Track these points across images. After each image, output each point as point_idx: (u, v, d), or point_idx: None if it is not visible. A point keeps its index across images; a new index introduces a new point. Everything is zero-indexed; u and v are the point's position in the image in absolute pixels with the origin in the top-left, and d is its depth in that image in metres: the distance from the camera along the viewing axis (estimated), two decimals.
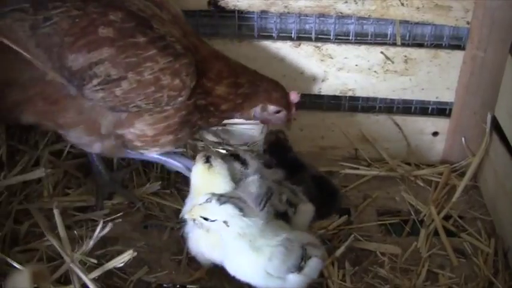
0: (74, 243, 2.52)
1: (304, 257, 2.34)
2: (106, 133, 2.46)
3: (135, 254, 2.46)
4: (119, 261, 2.45)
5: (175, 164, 2.72)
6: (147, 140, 2.50)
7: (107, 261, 2.49)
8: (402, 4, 2.89)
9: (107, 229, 2.49)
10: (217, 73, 2.52)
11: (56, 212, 2.50)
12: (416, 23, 3.00)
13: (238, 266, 2.34)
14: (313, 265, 2.37)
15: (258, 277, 2.33)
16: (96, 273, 2.40)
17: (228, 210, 2.23)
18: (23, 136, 2.99)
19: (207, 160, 2.45)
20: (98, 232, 2.48)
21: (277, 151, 2.94)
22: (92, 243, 2.47)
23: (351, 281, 2.57)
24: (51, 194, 2.79)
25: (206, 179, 2.45)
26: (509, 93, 2.83)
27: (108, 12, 2.29)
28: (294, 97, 2.70)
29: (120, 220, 2.74)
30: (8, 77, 2.39)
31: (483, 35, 2.87)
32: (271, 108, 2.67)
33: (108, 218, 2.70)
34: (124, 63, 2.28)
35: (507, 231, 2.75)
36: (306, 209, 2.63)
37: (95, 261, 2.45)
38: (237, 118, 2.72)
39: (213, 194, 2.29)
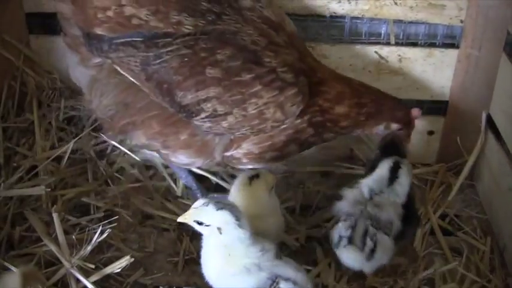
0: (71, 248, 2.51)
1: None
2: (218, 155, 2.53)
3: (132, 259, 2.46)
4: (116, 267, 2.46)
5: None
6: (253, 157, 2.53)
7: (103, 264, 2.50)
8: (396, 3, 2.90)
9: (104, 235, 2.50)
10: (338, 94, 2.53)
11: (55, 216, 2.51)
12: (410, 22, 2.99)
13: (207, 269, 2.32)
14: None
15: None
16: (94, 278, 2.40)
17: (224, 217, 2.19)
18: (20, 138, 3.01)
19: (254, 176, 2.49)
20: (96, 238, 2.49)
21: (389, 152, 2.79)
22: (89, 248, 2.47)
23: (347, 281, 2.57)
24: (48, 198, 2.76)
25: (245, 192, 2.48)
26: (504, 92, 2.83)
27: (216, 51, 2.33)
28: (416, 114, 2.70)
29: (116, 224, 2.71)
30: (126, 98, 2.48)
31: (477, 33, 2.87)
32: (394, 126, 2.67)
33: (104, 221, 2.68)
34: (230, 101, 2.34)
35: (503, 229, 2.75)
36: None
37: (93, 266, 2.45)
38: (356, 134, 2.71)
39: (211, 198, 2.28)
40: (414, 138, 3.08)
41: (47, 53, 3.19)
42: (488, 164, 2.96)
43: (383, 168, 2.57)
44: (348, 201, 2.54)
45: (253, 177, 2.50)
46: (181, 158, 2.55)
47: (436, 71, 3.01)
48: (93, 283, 2.39)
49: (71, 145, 2.92)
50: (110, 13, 2.35)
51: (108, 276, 2.48)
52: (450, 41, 3.03)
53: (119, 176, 2.97)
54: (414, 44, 3.05)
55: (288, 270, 2.25)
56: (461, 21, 2.90)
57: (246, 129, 2.41)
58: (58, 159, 2.95)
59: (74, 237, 2.58)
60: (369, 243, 2.41)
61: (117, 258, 2.51)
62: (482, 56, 2.91)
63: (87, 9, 2.39)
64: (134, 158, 3.00)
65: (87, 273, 2.42)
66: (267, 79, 2.34)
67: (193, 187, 2.85)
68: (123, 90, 2.47)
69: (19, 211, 2.71)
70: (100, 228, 2.54)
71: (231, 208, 2.22)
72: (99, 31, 2.38)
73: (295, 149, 2.57)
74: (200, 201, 2.24)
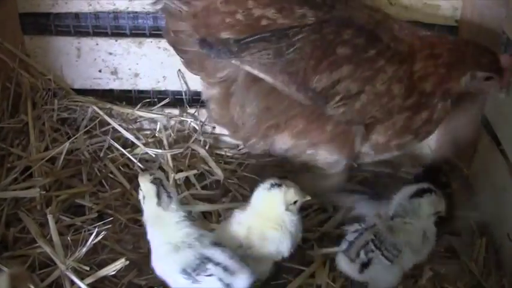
0: (65, 249, 2.50)
1: (198, 269, 2.25)
2: (358, 146, 2.60)
3: (127, 262, 2.45)
4: (111, 269, 2.45)
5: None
6: (378, 147, 2.63)
7: (98, 265, 2.49)
8: (391, 3, 2.91)
9: (99, 237, 2.50)
10: (409, 48, 2.54)
11: (49, 218, 2.51)
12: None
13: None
14: (207, 283, 2.26)
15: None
16: (89, 280, 2.39)
17: (149, 190, 2.37)
18: (15, 139, 3.01)
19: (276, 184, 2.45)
20: (91, 240, 2.48)
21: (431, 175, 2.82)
22: (84, 250, 2.47)
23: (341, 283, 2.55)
24: (43, 199, 2.76)
25: (262, 196, 2.47)
26: None
27: (341, 32, 2.44)
28: (505, 61, 2.54)
29: (110, 225, 2.71)
30: (268, 102, 2.55)
31: (472, 33, 2.87)
32: (482, 75, 2.54)
33: (99, 223, 2.69)
34: (361, 78, 2.43)
35: (498, 229, 2.75)
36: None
37: (87, 268, 2.44)
38: (448, 96, 2.60)
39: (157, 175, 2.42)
40: None
41: (41, 53, 3.19)
42: (484, 164, 2.95)
43: (404, 193, 2.53)
44: (372, 207, 2.57)
45: (275, 185, 2.45)
46: (325, 156, 2.62)
47: None
48: (88, 285, 2.37)
49: (66, 146, 2.92)
50: (238, 16, 2.46)
51: (103, 277, 2.46)
52: None
53: (113, 177, 2.96)
54: None
55: (221, 256, 2.28)
56: (456, 21, 2.91)
57: (376, 110, 2.48)
58: (52, 160, 2.95)
59: (69, 238, 2.57)
60: (362, 256, 2.38)
61: (112, 259, 2.50)
62: None
63: (212, 17, 2.49)
64: (129, 159, 3.00)
65: (81, 275, 2.41)
66: (388, 54, 2.45)
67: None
68: (264, 96, 2.53)
69: (13, 212, 2.70)
70: (96, 230, 2.53)
71: (161, 186, 2.37)
72: (226, 35, 2.47)
73: (412, 139, 2.64)
74: (154, 172, 2.45)
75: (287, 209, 2.43)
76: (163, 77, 3.25)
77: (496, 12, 2.79)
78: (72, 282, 2.39)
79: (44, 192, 2.76)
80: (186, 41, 2.59)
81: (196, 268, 2.26)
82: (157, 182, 2.38)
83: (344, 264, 2.42)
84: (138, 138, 3.12)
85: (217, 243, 2.33)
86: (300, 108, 2.52)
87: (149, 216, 2.41)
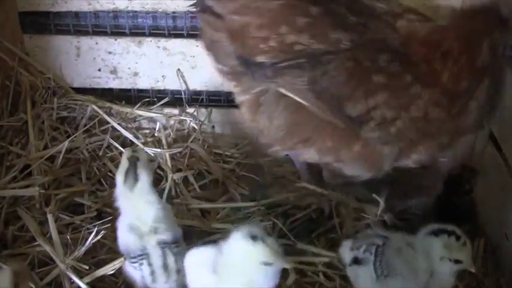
0: (64, 247, 2.51)
1: (137, 259, 2.31)
2: (387, 166, 2.55)
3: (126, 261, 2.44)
4: (110, 269, 2.45)
5: None
6: (422, 161, 2.57)
7: (96, 264, 2.49)
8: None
9: (99, 236, 2.50)
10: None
11: (49, 217, 2.52)
12: None
13: None
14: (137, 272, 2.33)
15: None
16: (88, 279, 2.40)
17: None
18: (14, 138, 3.01)
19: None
20: (91, 239, 2.48)
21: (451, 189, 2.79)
22: (83, 249, 2.47)
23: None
24: (42, 197, 2.76)
25: None
26: None
27: (376, 57, 2.37)
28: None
29: (109, 224, 2.69)
30: (297, 119, 2.50)
31: None
32: (498, 35, 2.43)
33: (98, 222, 2.69)
34: (397, 105, 2.38)
35: (495, 230, 2.75)
36: None
37: (87, 267, 2.44)
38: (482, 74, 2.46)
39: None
40: None
41: (40, 52, 3.19)
42: (482, 164, 2.96)
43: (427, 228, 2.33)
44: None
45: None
46: (353, 171, 2.59)
47: None
48: (87, 284, 2.38)
49: (65, 145, 2.93)
50: (271, 43, 2.38)
51: (102, 276, 2.47)
52: None
53: (112, 175, 2.95)
54: None
55: (158, 259, 2.30)
56: None
57: (413, 133, 2.43)
58: (51, 158, 2.95)
59: (68, 237, 2.57)
60: (359, 252, 2.35)
61: (111, 258, 2.50)
62: None
63: (247, 39, 2.42)
64: None
65: (80, 274, 2.41)
66: (422, 78, 2.38)
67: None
68: (293, 111, 2.49)
69: (12, 210, 2.70)
70: (95, 229, 2.53)
71: (134, 165, 2.32)
72: (261, 59, 2.41)
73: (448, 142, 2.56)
74: (137, 150, 2.41)
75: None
76: (163, 76, 3.25)
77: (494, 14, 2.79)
78: (71, 281, 2.39)
79: (43, 191, 2.76)
80: (223, 54, 2.54)
81: (136, 257, 2.31)
82: (132, 161, 2.34)
83: (344, 248, 2.43)
84: (137, 138, 3.12)
85: (170, 246, 2.31)
86: (330, 128, 2.48)
87: (119, 191, 2.38)
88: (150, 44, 3.18)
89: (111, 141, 3.07)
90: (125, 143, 3.11)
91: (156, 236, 2.31)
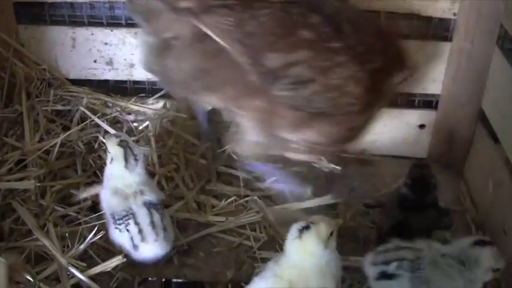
0: (60, 240, 2.52)
1: (121, 220, 2.45)
2: (282, 132, 2.53)
3: (124, 259, 2.46)
4: (108, 266, 2.45)
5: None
6: (313, 147, 2.55)
7: (90, 256, 2.51)
8: None
9: (98, 236, 2.52)
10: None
11: (49, 224, 2.54)
12: (402, 14, 2.97)
13: None
14: (122, 234, 2.46)
15: None
16: (85, 275, 2.41)
17: (117, 153, 2.49)
18: (9, 129, 3.01)
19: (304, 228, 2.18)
20: (90, 238, 2.50)
21: (419, 189, 2.63)
22: (83, 246, 2.49)
23: None
24: (37, 189, 2.75)
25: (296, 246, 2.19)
26: (496, 85, 2.82)
27: (309, 15, 2.35)
28: None
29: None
30: (207, 66, 2.48)
31: (470, 26, 2.85)
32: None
33: (93, 215, 2.68)
34: (317, 67, 2.34)
35: (493, 224, 2.74)
36: None
37: (84, 264, 2.45)
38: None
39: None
40: (405, 132, 3.10)
41: (35, 43, 3.16)
42: (480, 158, 2.95)
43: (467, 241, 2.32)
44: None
45: (304, 229, 2.16)
46: (249, 124, 2.56)
47: (428, 64, 3.00)
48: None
49: (60, 138, 2.93)
50: None
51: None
52: (443, 34, 3.02)
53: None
54: (406, 37, 3.02)
55: (145, 218, 2.44)
56: (454, 14, 2.89)
57: (322, 102, 2.39)
58: (46, 150, 2.93)
59: (67, 235, 2.57)
60: (391, 267, 2.29)
61: (106, 250, 2.54)
62: (474, 49, 2.89)
63: None
64: None
65: (79, 269, 2.42)
66: (351, 52, 2.35)
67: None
68: (204, 57, 2.47)
69: (7, 202, 2.69)
70: (94, 227, 2.55)
71: (128, 148, 2.48)
72: (184, 5, 2.39)
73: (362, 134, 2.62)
74: (120, 134, 2.58)
75: (326, 247, 2.17)
76: None
77: (494, 6, 2.77)
78: (70, 276, 2.41)
79: (39, 184, 2.75)
80: None
81: (120, 218, 2.44)
82: (124, 145, 2.47)
83: (368, 262, 2.37)
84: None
85: (155, 207, 2.47)
86: (238, 78, 2.44)
87: (113, 175, 2.51)
88: None
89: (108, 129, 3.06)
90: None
91: (142, 196, 2.47)
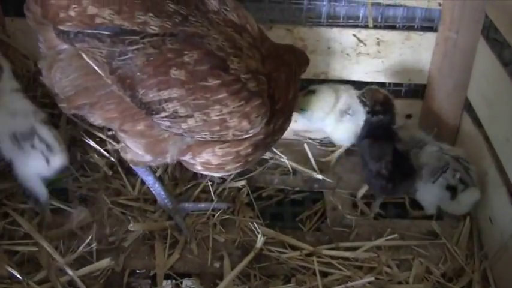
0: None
1: (26, 139, 2.59)
2: (170, 158, 2.50)
3: (113, 262, 2.48)
4: (97, 268, 2.47)
5: (162, 200, 2.78)
6: (210, 167, 2.51)
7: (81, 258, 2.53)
8: None
9: (93, 245, 2.54)
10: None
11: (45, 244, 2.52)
12: (388, 5, 2.99)
13: None
14: (30, 154, 2.59)
15: None
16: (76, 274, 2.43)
17: None
18: None
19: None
20: (83, 247, 2.52)
21: (382, 112, 2.84)
22: (76, 255, 2.49)
23: None
24: None
25: None
26: (482, 75, 2.84)
27: (183, 52, 2.26)
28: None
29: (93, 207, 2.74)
30: (87, 83, 2.42)
31: (455, 16, 2.87)
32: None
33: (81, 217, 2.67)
34: (192, 104, 2.28)
35: (480, 213, 2.77)
36: (474, 193, 2.77)
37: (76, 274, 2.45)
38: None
39: None
40: None
41: (22, 36, 3.14)
42: (466, 147, 2.96)
43: None
44: None
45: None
46: (134, 147, 2.52)
47: (414, 54, 3.02)
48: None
49: None
50: (71, 12, 2.30)
51: (85, 260, 2.51)
52: (428, 24, 3.05)
53: (94, 161, 2.96)
54: (392, 27, 3.05)
55: (47, 134, 2.63)
56: (440, 4, 2.91)
57: (205, 134, 2.36)
58: None
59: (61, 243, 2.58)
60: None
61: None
62: (460, 39, 2.91)
63: (47, 5, 2.35)
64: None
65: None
66: (234, 87, 2.28)
67: (161, 196, 2.79)
68: (84, 75, 2.41)
69: None
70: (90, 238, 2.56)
71: None
72: (63, 27, 2.34)
73: (261, 154, 2.58)
74: None
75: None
76: None
77: None
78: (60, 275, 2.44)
79: None
80: (32, 4, 2.44)
81: (25, 137, 2.58)
82: None
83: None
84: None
85: (46, 122, 2.65)
86: (117, 101, 2.40)
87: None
88: None
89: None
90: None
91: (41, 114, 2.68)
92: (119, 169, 2.92)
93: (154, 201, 2.80)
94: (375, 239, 2.69)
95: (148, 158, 2.52)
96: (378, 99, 2.81)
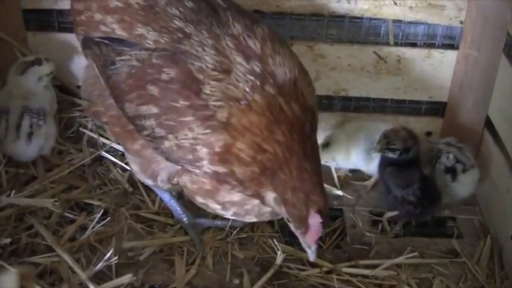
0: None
1: None
2: (160, 182, 2.49)
3: (135, 278, 2.48)
4: (118, 284, 2.46)
5: (178, 215, 2.76)
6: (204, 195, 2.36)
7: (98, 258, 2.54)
8: (395, 3, 2.89)
9: (113, 260, 2.51)
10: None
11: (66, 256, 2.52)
12: (409, 22, 2.99)
13: None
14: None
15: None
16: None
17: None
18: None
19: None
20: (106, 258, 2.51)
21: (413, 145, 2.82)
22: (98, 268, 2.49)
23: None
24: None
25: None
26: (503, 93, 2.83)
27: (164, 69, 2.19)
28: (316, 223, 2.11)
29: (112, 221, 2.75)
30: (100, 90, 2.47)
31: (476, 34, 2.87)
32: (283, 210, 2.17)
33: (102, 222, 2.69)
34: (165, 125, 2.19)
35: (501, 231, 2.75)
36: (474, 171, 2.88)
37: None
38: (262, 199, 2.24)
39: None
40: None
41: (44, 50, 3.16)
42: (487, 165, 2.94)
43: None
44: None
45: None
46: (134, 167, 2.55)
47: (434, 71, 3.01)
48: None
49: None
50: (83, 17, 2.42)
51: (104, 274, 2.50)
52: (449, 42, 3.04)
53: (114, 177, 2.98)
54: (413, 45, 3.04)
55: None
56: (461, 22, 2.90)
57: (184, 162, 2.25)
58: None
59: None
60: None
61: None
62: (481, 57, 2.90)
63: (72, 9, 2.50)
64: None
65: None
66: (202, 113, 2.14)
67: (177, 211, 2.78)
68: (95, 82, 2.49)
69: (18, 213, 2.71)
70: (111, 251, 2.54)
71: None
72: (79, 31, 2.47)
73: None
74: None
75: None
76: None
77: (501, 14, 2.78)
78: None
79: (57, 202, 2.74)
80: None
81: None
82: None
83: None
84: None
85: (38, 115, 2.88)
86: (118, 113, 2.40)
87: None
88: None
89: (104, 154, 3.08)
90: None
91: (23, 101, 2.87)
92: (139, 185, 2.92)
93: (172, 216, 2.80)
94: (394, 257, 2.66)
95: (144, 179, 2.55)
96: (404, 137, 2.81)
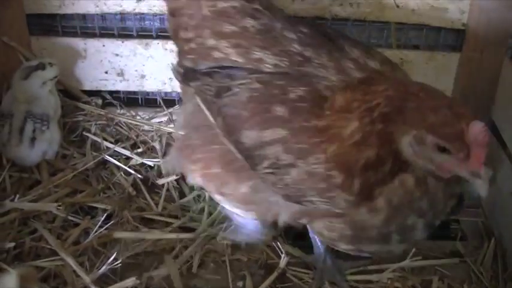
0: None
1: None
2: (281, 223, 2.26)
3: (138, 281, 2.46)
4: (122, 287, 2.46)
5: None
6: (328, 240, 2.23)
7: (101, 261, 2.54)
8: (397, 6, 2.89)
9: (118, 263, 2.51)
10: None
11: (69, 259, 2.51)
12: (412, 25, 2.99)
13: None
14: None
15: None
16: None
17: None
18: None
19: None
20: (110, 262, 2.50)
21: None
22: (101, 271, 2.48)
23: None
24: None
25: None
26: (506, 96, 2.83)
27: (290, 88, 2.06)
28: (475, 131, 1.82)
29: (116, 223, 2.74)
30: (197, 122, 2.35)
31: (479, 37, 2.87)
32: (431, 140, 1.85)
33: (105, 226, 2.68)
34: (295, 149, 2.00)
35: (504, 234, 2.75)
36: None
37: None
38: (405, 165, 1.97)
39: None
40: None
41: (47, 54, 3.17)
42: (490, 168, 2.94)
43: None
44: None
45: None
46: (235, 210, 2.40)
47: (437, 74, 3.02)
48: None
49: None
50: (192, 44, 2.32)
51: (107, 277, 2.50)
52: (452, 45, 3.03)
53: (119, 181, 2.97)
54: (416, 47, 3.04)
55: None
56: (464, 25, 2.91)
57: (313, 195, 2.02)
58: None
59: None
60: None
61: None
62: (484, 60, 2.91)
63: (177, 40, 2.43)
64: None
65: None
66: (334, 132, 1.97)
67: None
68: (196, 113, 2.34)
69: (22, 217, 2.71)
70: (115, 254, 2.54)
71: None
72: (186, 63, 2.36)
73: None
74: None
75: None
76: (170, 78, 3.23)
77: (504, 16, 2.80)
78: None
79: (60, 205, 2.74)
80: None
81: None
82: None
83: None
84: (138, 146, 3.15)
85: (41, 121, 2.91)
86: (222, 151, 2.24)
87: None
88: (157, 46, 3.16)
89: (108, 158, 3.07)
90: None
91: (27, 105, 2.90)
92: (142, 188, 2.92)
93: (175, 216, 2.81)
94: (398, 261, 2.64)
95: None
96: None
